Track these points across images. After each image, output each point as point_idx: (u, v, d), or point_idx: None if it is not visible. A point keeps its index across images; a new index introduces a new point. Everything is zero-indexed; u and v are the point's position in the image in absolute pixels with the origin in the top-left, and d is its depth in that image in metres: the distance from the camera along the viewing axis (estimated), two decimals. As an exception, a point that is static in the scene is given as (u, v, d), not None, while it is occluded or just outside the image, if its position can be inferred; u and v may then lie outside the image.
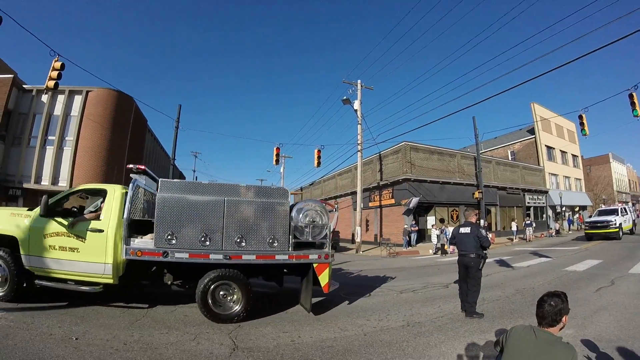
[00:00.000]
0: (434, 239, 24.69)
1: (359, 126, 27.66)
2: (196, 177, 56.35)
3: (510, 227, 32.80)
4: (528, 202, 39.70)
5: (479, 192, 29.46)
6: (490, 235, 8.25)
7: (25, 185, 27.14)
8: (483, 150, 38.76)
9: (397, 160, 30.98)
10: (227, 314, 6.57)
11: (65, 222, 6.77)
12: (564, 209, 43.70)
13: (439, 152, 32.28)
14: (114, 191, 7.20)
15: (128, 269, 6.85)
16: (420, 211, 30.14)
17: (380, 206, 32.60)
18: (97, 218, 6.91)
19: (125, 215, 6.47)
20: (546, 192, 42.58)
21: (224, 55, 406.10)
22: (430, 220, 30.24)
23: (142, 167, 7.42)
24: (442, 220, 29.41)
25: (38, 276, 6.74)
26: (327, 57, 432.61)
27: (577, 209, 48.85)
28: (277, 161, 29.53)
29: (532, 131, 46.12)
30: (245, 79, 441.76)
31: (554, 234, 36.28)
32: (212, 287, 6.58)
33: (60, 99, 28.40)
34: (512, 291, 9.61)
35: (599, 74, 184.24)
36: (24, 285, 6.81)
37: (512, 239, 31.16)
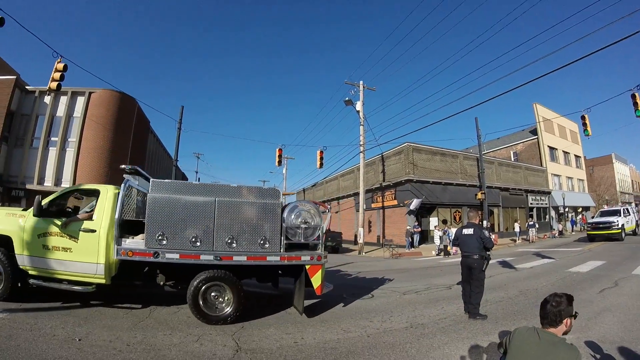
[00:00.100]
0: (437, 240, 24.65)
1: (361, 127, 27.68)
2: (199, 179, 56.38)
3: (513, 228, 32.72)
4: (531, 203, 39.64)
5: (481, 193, 29.42)
6: (493, 237, 8.22)
7: (28, 186, 27.24)
8: (485, 151, 38.75)
9: (399, 161, 30.98)
10: (217, 316, 6.51)
11: (59, 222, 6.80)
12: (566, 209, 43.63)
13: (441, 153, 32.26)
14: (107, 191, 7.21)
15: (121, 269, 6.85)
16: (422, 212, 30.12)
17: (383, 207, 32.59)
18: (90, 218, 6.93)
19: (116, 216, 6.48)
20: (549, 193, 42.50)
21: (224, 55, 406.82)
22: (433, 221, 30.19)
23: (135, 167, 7.45)
24: (444, 222, 29.38)
25: (32, 276, 6.78)
26: (327, 57, 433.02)
27: (580, 209, 48.76)
28: (280, 162, 29.49)
29: (534, 132, 46.06)
30: (245, 79, 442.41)
31: (557, 235, 36.19)
32: (203, 288, 6.54)
33: (63, 100, 28.51)
34: (516, 292, 9.58)
35: (601, 74, 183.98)
36: (19, 285, 6.84)
37: (515, 240, 31.11)
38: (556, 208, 43.18)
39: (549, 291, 3.05)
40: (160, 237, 6.42)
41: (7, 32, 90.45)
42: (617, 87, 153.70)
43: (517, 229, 31.96)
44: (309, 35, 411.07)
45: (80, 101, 29.18)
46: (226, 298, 6.66)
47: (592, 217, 31.67)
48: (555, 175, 45.45)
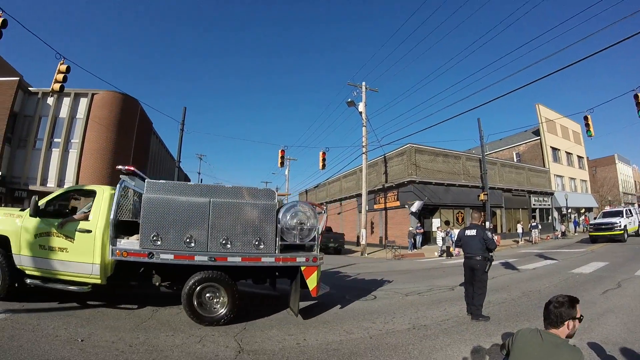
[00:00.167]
0: (439, 242, 24.61)
1: (363, 128, 27.69)
2: (201, 180, 56.54)
3: (516, 230, 32.68)
4: (534, 204, 39.56)
5: (484, 194, 29.38)
6: (495, 238, 8.21)
7: (31, 187, 27.29)
8: (488, 152, 38.70)
9: (402, 163, 30.96)
10: (212, 317, 6.50)
11: (55, 223, 6.83)
12: (569, 210, 43.54)
13: (443, 154, 32.23)
14: (103, 192, 7.24)
15: (117, 269, 6.87)
16: (425, 213, 30.09)
17: (386, 208, 32.57)
18: (86, 219, 6.97)
19: (111, 216, 6.49)
20: (552, 193, 42.41)
21: (224, 55, 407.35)
22: (436, 222, 30.19)
23: (131, 168, 7.47)
24: (447, 223, 29.37)
25: (29, 275, 6.81)
26: (327, 57, 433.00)
27: (583, 210, 48.66)
28: (282, 164, 29.52)
29: (537, 132, 46.01)
30: (246, 79, 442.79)
31: (559, 236, 36.13)
32: (198, 288, 6.52)
33: (66, 101, 28.59)
34: (518, 294, 9.56)
35: (605, 74, 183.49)
36: (16, 285, 6.86)
37: (517, 241, 31.06)
38: (559, 209, 43.10)
39: (552, 293, 3.05)
40: (154, 238, 6.43)
41: (10, 34, 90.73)
42: (620, 87, 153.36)
43: (519, 230, 31.95)
44: (309, 36, 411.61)
45: (83, 102, 29.24)
46: (221, 299, 6.64)
47: (594, 218, 31.55)
48: (558, 176, 45.38)
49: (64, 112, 28.81)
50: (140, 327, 6.12)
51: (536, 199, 40.08)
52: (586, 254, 18.84)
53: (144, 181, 7.06)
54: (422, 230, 28.26)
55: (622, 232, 24.51)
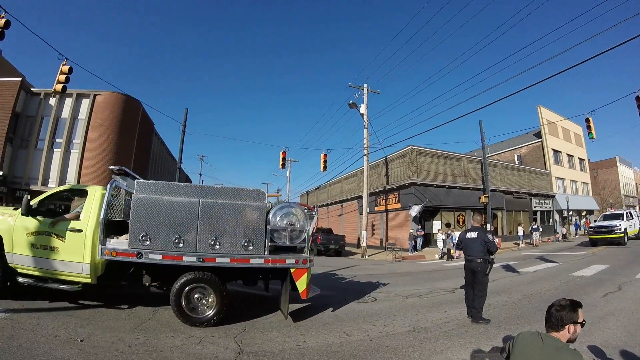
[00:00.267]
0: (440, 244, 24.57)
1: (365, 130, 27.74)
2: (202, 181, 56.55)
3: (517, 232, 32.63)
4: (535, 207, 39.49)
5: (485, 197, 29.35)
6: (496, 240, 8.19)
7: (32, 187, 27.30)
8: (489, 154, 38.68)
9: (403, 165, 30.94)
10: (199, 318, 6.49)
11: (47, 222, 6.87)
12: (570, 213, 43.47)
13: (445, 156, 32.20)
14: (94, 192, 7.27)
15: (107, 269, 6.90)
16: (426, 215, 30.07)
17: (387, 210, 32.54)
18: (77, 218, 7.00)
19: (101, 216, 6.50)
20: (553, 196, 42.35)
21: (225, 55, 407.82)
22: (437, 224, 30.15)
23: (123, 168, 7.49)
24: (448, 225, 29.34)
25: (21, 274, 6.83)
26: (327, 58, 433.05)
27: (584, 213, 48.57)
28: (284, 165, 29.56)
29: (538, 135, 45.99)
30: (246, 79, 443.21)
31: (560, 238, 36.08)
32: (187, 289, 6.51)
33: (68, 102, 28.63)
34: (519, 297, 9.54)
35: (609, 74, 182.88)
36: (8, 284, 6.88)
37: (518, 244, 31.02)
38: (560, 211, 43.03)
39: (553, 295, 3.05)
40: (143, 238, 6.43)
41: (13, 34, 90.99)
42: (624, 87, 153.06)
43: (520, 233, 31.87)
44: (309, 36, 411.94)
45: (85, 103, 29.28)
46: (210, 300, 6.62)
47: (595, 221, 31.45)
48: (559, 178, 45.33)
49: (65, 113, 28.84)
50: (140, 328, 6.12)
51: (537, 201, 40.02)
52: (587, 257, 18.81)
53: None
54: (422, 233, 28.25)
55: (623, 235, 24.31)
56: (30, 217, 6.91)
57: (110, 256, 6.41)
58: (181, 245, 6.55)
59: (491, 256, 7.47)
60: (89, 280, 6.74)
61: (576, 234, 40.88)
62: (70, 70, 13.65)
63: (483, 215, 8.60)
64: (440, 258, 23.61)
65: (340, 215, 43.18)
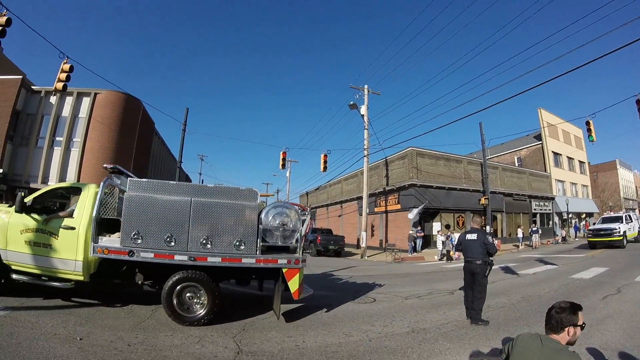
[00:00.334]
0: (440, 245, 24.56)
1: (365, 131, 27.74)
2: (202, 180, 56.57)
3: (516, 234, 32.64)
4: (534, 209, 39.49)
5: (485, 198, 29.36)
6: (496, 242, 8.19)
7: (32, 185, 27.28)
8: (489, 156, 38.66)
9: (403, 166, 30.94)
10: (191, 317, 6.48)
11: (41, 219, 6.89)
12: (570, 215, 43.47)
13: (445, 158, 32.21)
14: (88, 190, 7.30)
15: (100, 267, 6.92)
16: (426, 217, 30.06)
17: (386, 211, 32.54)
18: (70, 216, 7.01)
19: (94, 214, 6.52)
20: (553, 198, 42.36)
21: (225, 55, 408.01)
22: (436, 226, 30.13)
23: (117, 166, 7.51)
24: (447, 226, 29.32)
25: (15, 271, 6.86)
26: (328, 58, 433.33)
27: (583, 215, 48.58)
28: (284, 165, 29.57)
29: (538, 137, 46.00)
30: (246, 79, 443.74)
31: (560, 241, 36.08)
32: (178, 288, 6.51)
33: (69, 100, 28.60)
34: (518, 298, 9.54)
35: (610, 76, 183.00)
36: (2, 280, 6.89)
37: (518, 246, 31.01)
38: (560, 214, 43.03)
39: (552, 297, 3.05)
40: (135, 236, 6.44)
41: (14, 32, 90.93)
42: (625, 89, 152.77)
43: (520, 235, 31.87)
44: (308, 36, 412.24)
45: (86, 102, 29.26)
46: (201, 299, 6.62)
47: (594, 224, 31.38)
48: (559, 180, 45.33)
49: (66, 111, 28.83)
50: (139, 327, 6.12)
51: (537, 203, 40.02)
52: (586, 259, 18.81)
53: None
54: (422, 234, 28.24)
55: (622, 238, 24.16)
56: (24, 214, 6.94)
57: (102, 254, 6.43)
58: (173, 244, 6.55)
59: (490, 258, 7.47)
60: (81, 278, 6.78)
61: (576, 237, 40.91)
62: (71, 68, 13.66)
63: (483, 217, 8.60)
64: (440, 259, 23.59)
65: (340, 216, 43.19)
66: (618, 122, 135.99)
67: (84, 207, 7.02)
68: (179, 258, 6.53)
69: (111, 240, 6.60)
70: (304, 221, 7.54)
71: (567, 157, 47.99)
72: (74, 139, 28.79)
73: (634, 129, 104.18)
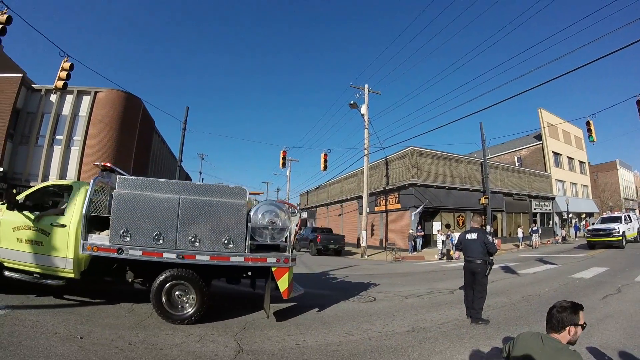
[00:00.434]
0: (440, 245, 24.59)
1: (365, 131, 27.75)
2: (202, 179, 56.55)
3: (516, 234, 32.64)
4: (534, 209, 39.50)
5: (485, 198, 29.36)
6: (496, 241, 8.20)
7: (32, 184, 27.23)
8: (490, 156, 38.64)
9: (403, 165, 30.95)
10: (179, 315, 6.47)
11: (32, 216, 6.92)
12: (570, 215, 43.48)
13: (445, 158, 32.21)
14: (79, 187, 7.34)
15: (92, 265, 6.94)
16: (426, 216, 30.07)
17: (386, 211, 32.55)
18: (62, 213, 7.04)
19: (83, 211, 6.53)
20: (553, 198, 42.38)
21: (225, 54, 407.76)
22: (436, 225, 30.14)
23: (108, 164, 7.52)
24: (447, 226, 29.34)
25: (7, 268, 6.89)
26: (328, 57, 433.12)
27: (583, 215, 48.60)
28: (284, 164, 29.57)
29: (539, 137, 46.02)
30: (246, 78, 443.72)
31: (560, 240, 36.09)
32: (167, 286, 6.50)
33: (69, 99, 28.56)
34: (518, 298, 9.55)
35: (611, 76, 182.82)
36: None
37: (518, 246, 31.02)
38: (560, 214, 43.04)
39: (552, 297, 3.06)
40: (124, 234, 6.43)
41: (14, 30, 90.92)
42: (626, 89, 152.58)
43: (520, 234, 31.89)
44: (309, 35, 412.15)
45: (86, 100, 29.22)
46: (191, 297, 6.62)
47: (593, 224, 31.30)
48: (559, 180, 45.34)
49: (66, 110, 28.79)
50: (140, 325, 6.13)
51: (537, 203, 40.03)
52: (586, 259, 18.82)
53: None
54: (422, 233, 28.26)
55: (621, 238, 24.07)
56: (16, 212, 6.97)
57: (91, 251, 6.44)
58: (161, 241, 6.53)
59: (491, 257, 7.47)
60: (72, 275, 6.80)
61: (576, 237, 40.91)
62: (72, 66, 13.66)
63: (483, 217, 8.61)
64: (440, 259, 23.61)
65: (340, 215, 43.19)
66: (618, 123, 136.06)
67: (75, 205, 7.05)
68: (168, 256, 6.51)
69: (100, 238, 6.59)
70: (293, 220, 7.52)
71: (567, 157, 48.00)
72: (74, 138, 28.77)
73: (635, 129, 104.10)
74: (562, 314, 2.79)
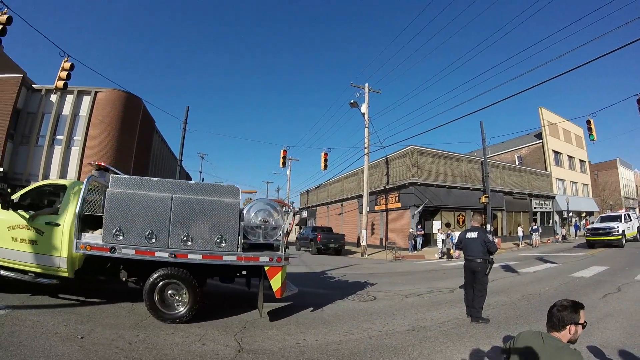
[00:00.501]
0: (440, 244, 24.59)
1: (366, 130, 27.76)
2: (203, 179, 56.54)
3: (517, 232, 32.63)
4: (535, 207, 39.50)
5: (485, 197, 29.35)
6: (496, 240, 8.20)
7: (33, 184, 27.26)
8: (490, 155, 38.63)
9: (403, 164, 30.95)
10: (171, 314, 6.47)
11: (27, 216, 6.94)
12: (570, 214, 43.46)
13: (445, 156, 32.21)
14: (73, 187, 7.36)
15: (86, 264, 6.96)
16: (426, 215, 30.07)
17: (387, 210, 32.55)
18: (56, 212, 7.06)
19: (77, 210, 6.54)
20: (553, 197, 42.36)
21: (225, 53, 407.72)
22: (436, 224, 30.15)
23: (102, 163, 7.55)
24: (448, 225, 29.34)
25: (2, 267, 6.90)
26: (329, 57, 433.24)
27: (584, 214, 48.57)
28: (284, 163, 29.58)
29: (539, 136, 46.00)
30: (247, 78, 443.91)
31: (560, 239, 36.08)
32: (160, 285, 6.50)
33: (69, 99, 28.55)
34: (518, 297, 9.55)
35: (611, 75, 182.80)
36: None
37: (518, 244, 31.01)
38: (560, 212, 43.01)
39: (552, 296, 3.06)
40: (117, 232, 6.44)
41: (15, 31, 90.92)
42: (626, 88, 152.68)
43: (520, 233, 31.86)
44: (309, 35, 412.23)
45: (86, 100, 29.20)
46: (183, 296, 6.61)
47: (592, 223, 31.20)
48: (559, 179, 45.33)
49: (66, 110, 28.78)
50: (140, 325, 6.13)
51: (537, 202, 40.03)
52: (586, 258, 18.81)
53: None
54: (422, 232, 28.26)
55: (620, 237, 23.91)
56: (11, 211, 6.99)
57: (84, 250, 6.45)
58: (153, 240, 6.54)
59: (491, 256, 7.48)
60: (66, 274, 6.81)
61: (576, 235, 40.87)
62: (72, 67, 13.66)
63: (483, 216, 8.61)
64: (440, 258, 23.60)
65: (340, 214, 43.20)
66: (618, 121, 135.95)
67: (69, 204, 7.07)
68: (160, 255, 6.52)
69: (94, 237, 6.60)
70: (286, 219, 7.52)
71: (567, 155, 47.98)
72: (74, 138, 28.75)
73: (635, 128, 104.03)
74: (563, 313, 2.79)
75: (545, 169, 43.70)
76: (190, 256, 6.62)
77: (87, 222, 6.82)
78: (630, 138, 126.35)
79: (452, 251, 23.04)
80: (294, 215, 7.96)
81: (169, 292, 6.61)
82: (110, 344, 5.09)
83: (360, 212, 32.11)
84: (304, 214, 58.87)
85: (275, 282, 6.88)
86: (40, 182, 8.27)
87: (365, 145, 27.83)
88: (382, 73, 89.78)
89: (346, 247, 30.00)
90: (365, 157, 28.00)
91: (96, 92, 29.30)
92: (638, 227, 27.74)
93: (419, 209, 27.53)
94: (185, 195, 6.81)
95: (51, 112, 28.43)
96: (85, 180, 6.95)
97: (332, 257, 24.57)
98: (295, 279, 8.05)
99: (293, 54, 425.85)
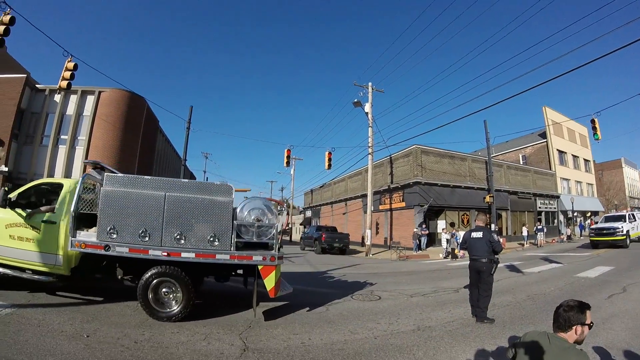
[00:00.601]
0: (444, 243, 24.55)
1: (369, 129, 27.72)
2: (207, 178, 56.58)
3: (521, 232, 32.53)
4: (539, 207, 39.38)
5: (490, 197, 29.26)
6: (501, 240, 8.18)
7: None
8: (494, 154, 38.57)
9: (407, 164, 30.91)
10: (165, 313, 6.49)
11: (24, 214, 7.02)
12: (575, 214, 43.33)
13: (449, 156, 32.15)
14: (69, 185, 7.42)
15: (82, 261, 7.01)
16: (430, 215, 30.04)
17: (391, 209, 32.53)
18: (52, 211, 7.11)
19: (72, 208, 6.55)
20: (558, 196, 42.22)
21: (226, 53, 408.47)
22: (441, 224, 30.07)
23: (99, 162, 7.59)
24: (452, 224, 29.28)
25: (0, 264, 6.98)
26: (330, 57, 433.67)
27: (588, 214, 48.42)
28: (288, 163, 29.54)
29: (543, 135, 45.82)
30: (247, 77, 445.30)
31: (565, 239, 35.95)
32: (154, 283, 6.53)
33: (73, 99, 28.65)
34: (523, 297, 9.52)
35: (615, 74, 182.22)
36: None
37: (522, 244, 30.91)
38: (565, 212, 42.87)
39: (557, 296, 3.05)
40: (111, 230, 6.45)
41: (18, 31, 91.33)
42: (630, 87, 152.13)
43: (525, 233, 31.77)
44: (309, 35, 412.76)
45: (90, 100, 29.29)
46: (177, 295, 6.63)
47: (596, 223, 31.00)
48: (564, 179, 45.17)
49: (70, 109, 28.88)
50: (146, 324, 6.15)
51: (542, 201, 39.91)
52: (592, 258, 18.73)
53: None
54: (427, 232, 28.17)
55: (624, 237, 23.61)
56: (8, 209, 7.10)
57: (79, 248, 6.47)
58: (147, 238, 6.54)
59: (496, 256, 7.46)
60: (63, 272, 6.89)
61: (581, 235, 40.74)
62: (76, 67, 13.67)
63: (487, 215, 8.61)
64: (445, 257, 23.56)
65: (344, 214, 43.19)
66: (623, 120, 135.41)
67: (65, 202, 7.13)
68: (154, 253, 6.53)
69: (88, 235, 6.62)
70: (280, 217, 7.52)
71: (572, 155, 47.80)
72: (78, 137, 28.85)
73: (639, 127, 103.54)
74: (569, 313, 2.78)
75: (550, 169, 43.56)
76: (183, 254, 6.62)
77: (84, 220, 6.87)
78: (635, 137, 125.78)
79: (456, 251, 22.99)
80: (287, 214, 7.93)
81: (163, 290, 6.63)
82: (115, 343, 5.11)
83: (365, 212, 32.11)
84: (308, 213, 58.91)
85: (269, 281, 6.88)
86: (38, 181, 8.31)
87: (369, 144, 27.81)
88: (385, 73, 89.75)
89: (350, 247, 30.00)
90: (370, 156, 27.97)
91: (100, 92, 29.39)
92: None
93: (423, 209, 27.51)
94: (179, 193, 6.81)
95: (55, 112, 28.54)
96: (80, 178, 7.00)
97: (336, 257, 24.57)
98: (299, 278, 8.05)
99: (293, 54, 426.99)
